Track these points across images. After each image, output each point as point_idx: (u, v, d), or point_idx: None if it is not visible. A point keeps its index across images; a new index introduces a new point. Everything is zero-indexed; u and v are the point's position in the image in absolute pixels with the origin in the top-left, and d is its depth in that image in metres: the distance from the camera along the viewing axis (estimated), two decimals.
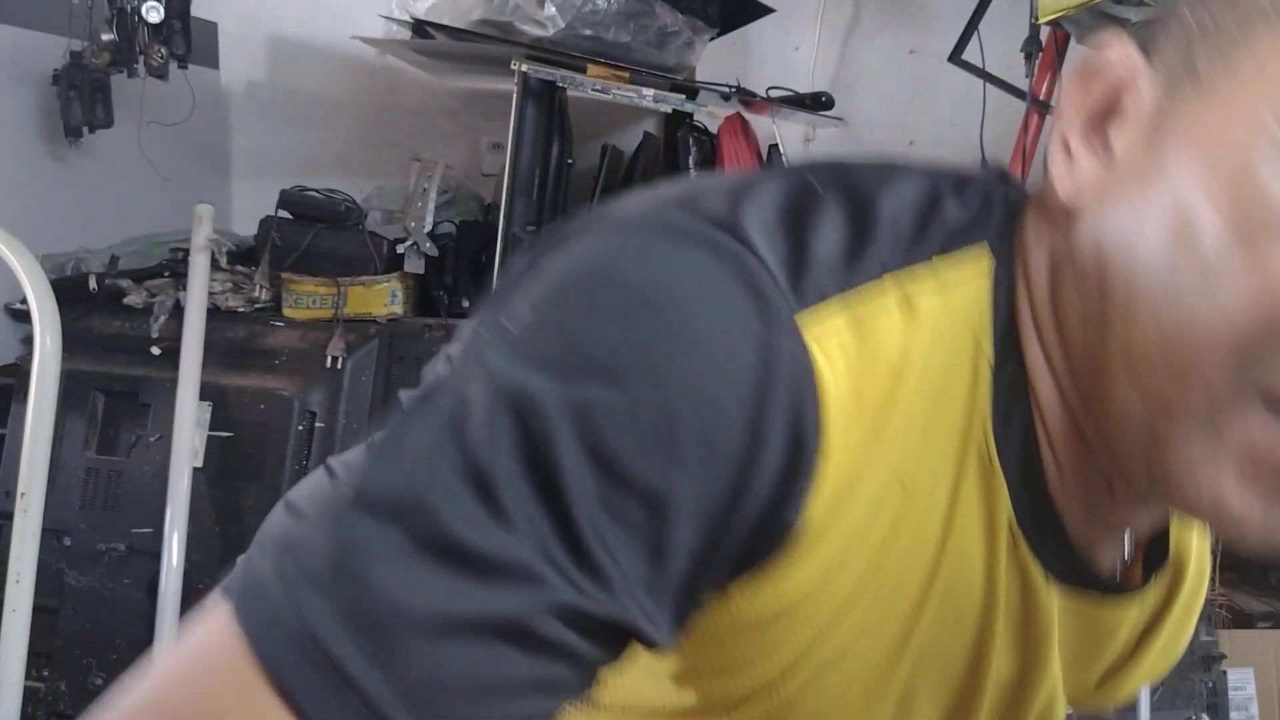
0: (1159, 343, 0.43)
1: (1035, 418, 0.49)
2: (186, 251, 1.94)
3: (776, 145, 2.10)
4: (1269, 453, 0.42)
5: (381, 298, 1.95)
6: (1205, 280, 0.41)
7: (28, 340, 1.97)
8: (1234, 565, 2.21)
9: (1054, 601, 0.51)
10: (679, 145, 2.05)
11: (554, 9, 1.82)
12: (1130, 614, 0.56)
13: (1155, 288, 0.43)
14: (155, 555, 1.76)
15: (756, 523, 0.42)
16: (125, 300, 1.94)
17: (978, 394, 0.47)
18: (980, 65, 2.12)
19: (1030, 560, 0.50)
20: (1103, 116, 0.48)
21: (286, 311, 1.96)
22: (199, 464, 1.81)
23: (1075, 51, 1.99)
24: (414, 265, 1.99)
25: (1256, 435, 0.42)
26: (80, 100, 2.02)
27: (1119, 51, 0.47)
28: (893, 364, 0.44)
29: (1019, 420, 0.48)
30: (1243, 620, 2.04)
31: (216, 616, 0.39)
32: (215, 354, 1.87)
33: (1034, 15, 1.82)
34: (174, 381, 1.82)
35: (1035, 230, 0.49)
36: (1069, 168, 0.48)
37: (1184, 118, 0.44)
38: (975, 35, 2.11)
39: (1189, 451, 0.43)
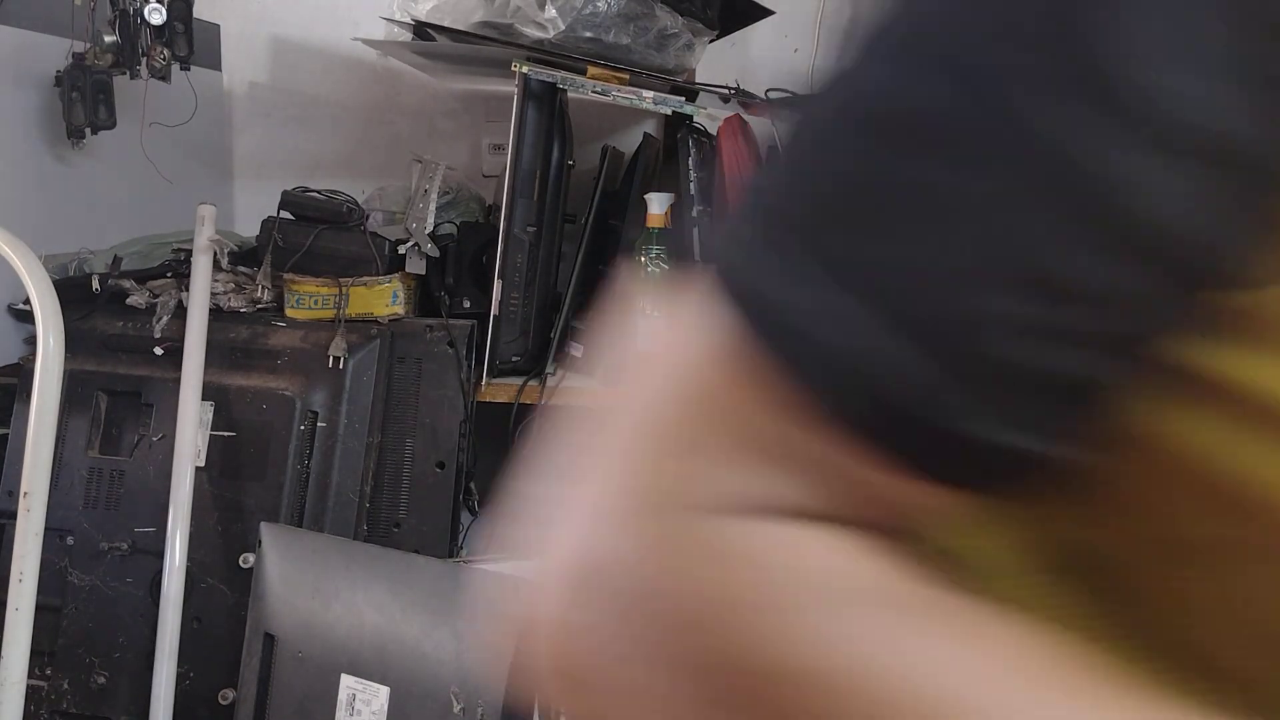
0: None
1: None
2: (189, 252, 1.95)
3: (776, 146, 2.10)
4: None
5: (383, 298, 1.96)
6: None
7: (30, 340, 1.98)
8: None
9: None
10: (679, 147, 2.06)
11: (554, 11, 1.82)
12: None
13: None
14: (158, 554, 1.76)
15: None
16: (128, 301, 1.94)
17: None
18: None
19: None
20: None
21: (288, 312, 1.96)
22: (201, 463, 1.81)
23: None
24: (415, 266, 2.00)
25: None
26: (83, 101, 2.03)
27: None
28: None
29: None
30: None
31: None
32: (217, 354, 1.88)
33: None
34: (176, 381, 1.82)
35: None
36: None
37: None
38: None
39: None
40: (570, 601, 0.36)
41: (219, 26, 2.56)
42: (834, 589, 0.34)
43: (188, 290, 1.91)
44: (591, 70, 1.85)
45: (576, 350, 2.12)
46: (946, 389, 0.33)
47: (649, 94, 1.87)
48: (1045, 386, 0.33)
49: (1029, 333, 0.32)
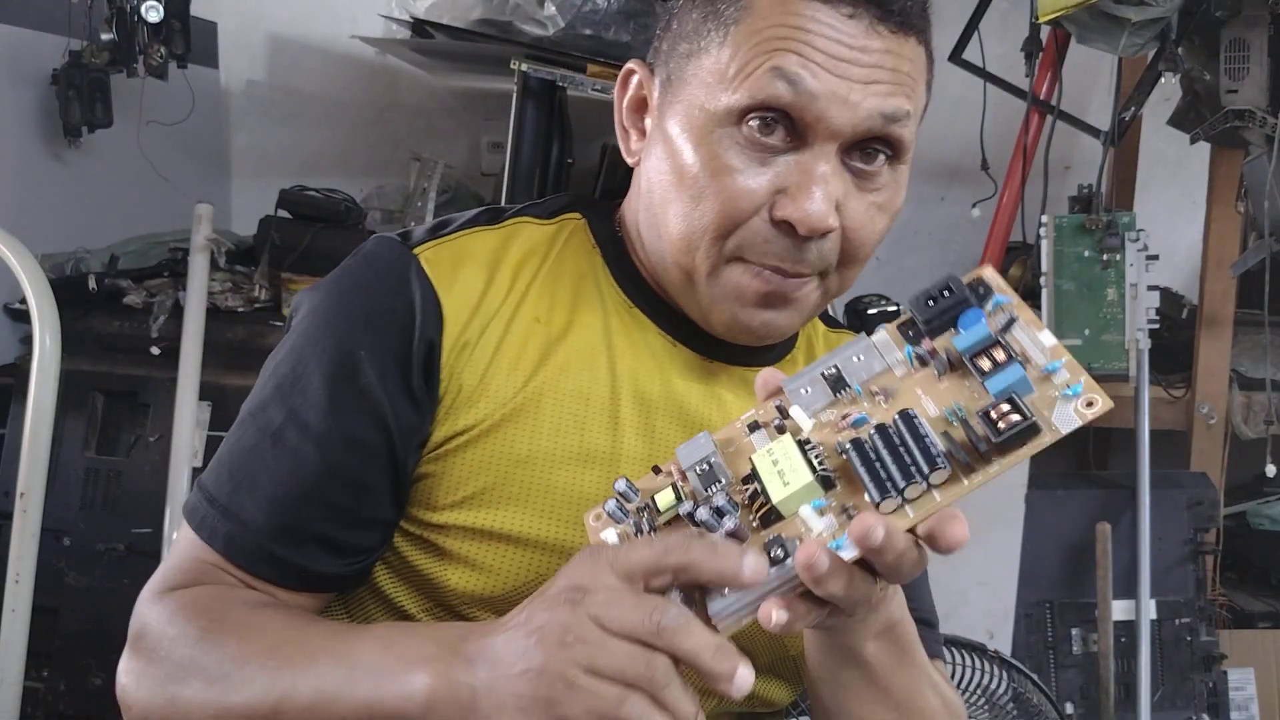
0: (681, 235, 0.77)
1: (645, 280, 0.85)
2: (186, 251, 1.94)
3: None
4: (748, 289, 0.77)
5: None
6: (695, 199, 0.76)
7: (27, 340, 1.97)
8: (1235, 566, 2.21)
9: (682, 355, 0.85)
10: None
11: (554, 8, 1.81)
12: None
13: (672, 205, 0.78)
14: (155, 555, 1.76)
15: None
16: (125, 300, 1.94)
17: (596, 266, 0.85)
18: (980, 65, 2.11)
19: (653, 326, 0.85)
20: (638, 109, 0.83)
21: (286, 311, 1.95)
22: (198, 464, 1.81)
23: (1075, 50, 1.99)
24: None
25: (738, 279, 0.77)
26: (79, 100, 2.02)
27: (636, 69, 0.83)
28: (492, 264, 0.82)
29: (635, 281, 0.85)
30: (1243, 620, 2.04)
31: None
32: (215, 354, 1.87)
33: (1034, 15, 1.82)
34: (173, 381, 1.82)
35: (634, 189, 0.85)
36: (627, 142, 0.84)
37: (672, 104, 0.78)
38: (975, 35, 2.11)
39: (711, 294, 0.78)
40: None
41: (216, 24, 2.55)
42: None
43: (185, 290, 1.90)
44: (591, 68, 1.85)
45: None
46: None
47: None
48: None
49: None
